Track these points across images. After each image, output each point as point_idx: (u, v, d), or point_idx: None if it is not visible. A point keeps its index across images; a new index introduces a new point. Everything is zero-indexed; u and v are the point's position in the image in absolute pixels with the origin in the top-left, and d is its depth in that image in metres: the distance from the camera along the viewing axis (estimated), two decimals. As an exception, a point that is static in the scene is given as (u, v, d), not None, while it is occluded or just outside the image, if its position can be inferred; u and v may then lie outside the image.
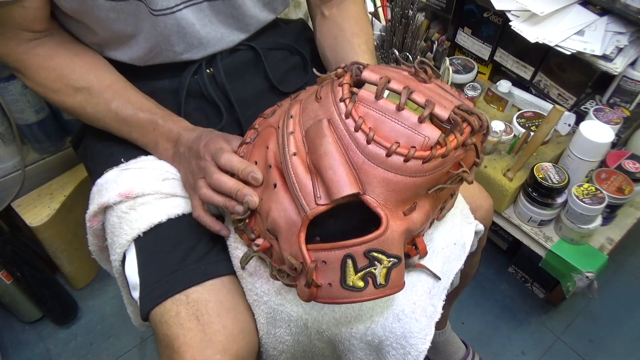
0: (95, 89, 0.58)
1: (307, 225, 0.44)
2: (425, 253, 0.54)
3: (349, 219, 0.51)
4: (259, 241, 0.50)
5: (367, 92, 0.43)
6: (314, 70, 0.53)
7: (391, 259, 0.43)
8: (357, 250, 0.42)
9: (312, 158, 0.44)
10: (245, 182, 0.50)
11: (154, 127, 0.60)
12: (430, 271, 0.56)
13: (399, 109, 0.42)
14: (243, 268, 0.53)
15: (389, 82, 0.43)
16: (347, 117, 0.42)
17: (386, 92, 0.44)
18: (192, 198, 0.56)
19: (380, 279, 0.43)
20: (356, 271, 0.43)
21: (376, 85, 0.44)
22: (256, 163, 0.50)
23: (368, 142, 0.41)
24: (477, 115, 0.44)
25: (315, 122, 0.45)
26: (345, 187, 0.41)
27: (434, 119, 0.45)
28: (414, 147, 0.41)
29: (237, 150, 0.54)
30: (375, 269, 0.43)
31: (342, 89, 0.44)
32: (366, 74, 0.45)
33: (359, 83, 0.47)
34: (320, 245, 0.43)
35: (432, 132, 0.42)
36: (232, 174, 0.51)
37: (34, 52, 0.56)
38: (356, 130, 0.42)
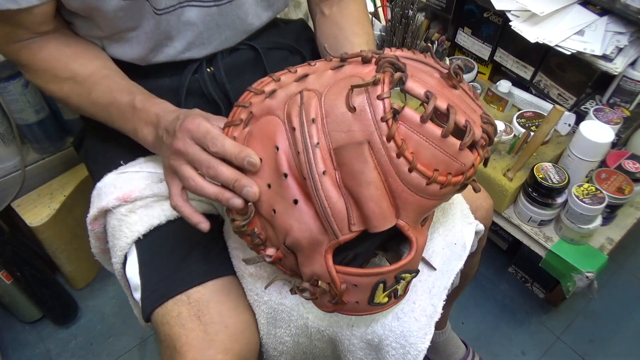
0: (78, 78, 0.57)
1: None
2: None
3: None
4: (271, 251, 0.46)
5: (411, 113, 0.38)
6: (325, 48, 0.47)
7: (413, 274, 0.45)
8: (390, 275, 0.43)
9: (350, 183, 0.40)
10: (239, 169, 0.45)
11: (133, 112, 0.55)
12: (426, 261, 0.56)
13: (445, 135, 0.38)
14: (248, 264, 0.52)
15: (435, 99, 0.39)
16: (389, 141, 0.38)
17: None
18: (170, 185, 0.49)
19: (400, 292, 0.45)
20: (384, 291, 0.44)
21: (419, 98, 0.39)
22: (261, 161, 0.44)
23: (410, 171, 0.39)
24: (492, 124, 0.43)
25: (353, 143, 0.39)
26: (387, 221, 0.40)
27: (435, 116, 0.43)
28: (451, 173, 0.40)
29: (225, 132, 0.46)
30: (399, 285, 0.44)
31: (383, 105, 0.38)
32: (410, 85, 0.39)
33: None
34: (353, 270, 0.43)
35: (468, 159, 0.40)
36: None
37: (27, 47, 0.56)
38: (398, 156, 0.38)
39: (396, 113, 0.39)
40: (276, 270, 0.56)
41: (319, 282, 0.43)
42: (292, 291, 0.47)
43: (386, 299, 0.44)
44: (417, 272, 0.45)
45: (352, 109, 0.39)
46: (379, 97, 0.38)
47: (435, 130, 0.38)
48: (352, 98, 0.39)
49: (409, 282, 0.45)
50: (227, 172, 0.44)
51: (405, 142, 0.38)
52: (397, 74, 0.39)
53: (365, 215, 0.40)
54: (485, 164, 0.46)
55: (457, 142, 0.39)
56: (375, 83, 0.39)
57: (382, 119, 0.38)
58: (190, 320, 0.51)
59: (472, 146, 0.41)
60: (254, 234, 0.46)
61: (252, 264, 0.49)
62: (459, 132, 0.40)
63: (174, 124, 0.48)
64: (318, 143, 0.40)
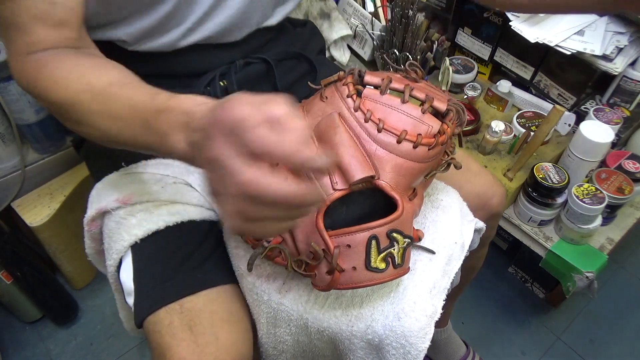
0: (95, 90, 0.44)
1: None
2: (421, 237, 0.56)
3: (355, 209, 0.52)
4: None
5: (371, 90, 0.47)
6: (309, 83, 0.54)
7: (406, 239, 0.46)
8: (380, 231, 0.44)
9: (326, 148, 0.46)
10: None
11: (156, 115, 0.39)
12: (425, 248, 0.57)
13: (404, 101, 0.47)
14: (250, 270, 0.53)
15: (390, 82, 0.48)
16: (356, 111, 0.46)
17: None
18: (219, 204, 0.33)
19: (398, 259, 0.46)
20: (379, 252, 0.45)
21: (379, 87, 0.48)
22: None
23: (379, 131, 0.45)
24: (459, 110, 0.50)
25: (325, 116, 0.48)
26: (362, 170, 0.44)
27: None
28: (420, 134, 0.46)
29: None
30: (394, 250, 0.45)
31: (347, 87, 0.48)
32: (368, 78, 0.49)
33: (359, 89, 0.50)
34: (343, 230, 0.44)
35: (434, 122, 0.47)
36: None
37: (38, 60, 0.46)
38: (366, 121, 0.46)
39: (360, 92, 0.48)
40: (274, 270, 0.56)
41: (312, 244, 0.45)
42: (291, 268, 0.47)
43: (384, 265, 0.45)
44: (411, 239, 0.47)
45: (324, 99, 0.49)
46: (343, 84, 0.48)
47: (394, 99, 0.47)
48: (324, 92, 0.50)
49: (405, 250, 0.46)
50: (291, 187, 0.30)
51: (371, 111, 0.46)
52: (356, 69, 0.50)
53: (343, 169, 0.45)
54: (460, 144, 0.55)
55: (418, 108, 0.47)
56: (340, 78, 0.50)
57: (347, 96, 0.47)
58: (181, 330, 0.51)
59: (441, 117, 0.48)
60: None
61: (253, 260, 0.49)
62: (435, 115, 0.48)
63: (204, 119, 0.34)
64: None
